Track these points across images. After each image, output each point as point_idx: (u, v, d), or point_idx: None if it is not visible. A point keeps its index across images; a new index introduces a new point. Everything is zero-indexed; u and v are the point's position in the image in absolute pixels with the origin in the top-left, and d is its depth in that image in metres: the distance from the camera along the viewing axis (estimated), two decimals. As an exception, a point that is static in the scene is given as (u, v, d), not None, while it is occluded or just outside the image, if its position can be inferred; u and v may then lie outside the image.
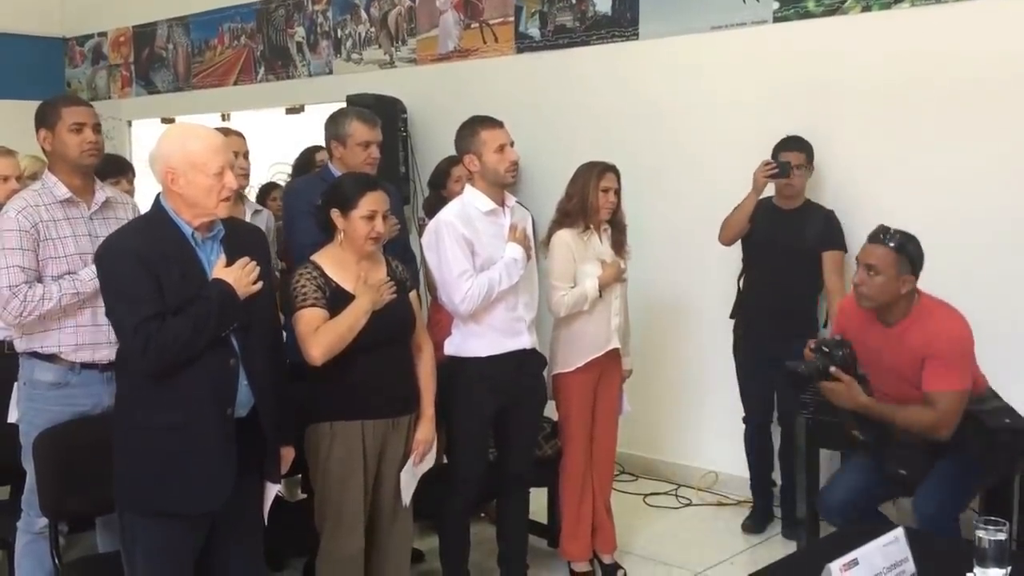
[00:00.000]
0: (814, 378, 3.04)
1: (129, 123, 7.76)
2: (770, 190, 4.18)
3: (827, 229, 4.12)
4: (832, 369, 3.00)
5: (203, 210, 2.46)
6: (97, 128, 3.05)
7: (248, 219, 3.50)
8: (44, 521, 2.91)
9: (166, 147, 2.46)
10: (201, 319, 2.37)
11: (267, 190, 5.24)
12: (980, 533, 2.13)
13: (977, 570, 2.12)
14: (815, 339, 3.12)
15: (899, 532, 2.16)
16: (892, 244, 2.92)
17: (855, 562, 2.02)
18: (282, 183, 5.33)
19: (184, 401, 2.41)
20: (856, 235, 4.18)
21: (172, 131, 2.55)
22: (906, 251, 2.92)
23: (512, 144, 3.29)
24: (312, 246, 3.03)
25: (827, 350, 3.04)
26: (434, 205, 4.14)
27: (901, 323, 2.98)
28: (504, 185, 3.33)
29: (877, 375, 3.10)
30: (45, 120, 3.01)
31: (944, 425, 2.92)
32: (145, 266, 2.37)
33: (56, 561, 2.87)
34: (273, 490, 2.69)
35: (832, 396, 3.07)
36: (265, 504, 2.68)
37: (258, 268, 2.50)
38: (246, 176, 3.80)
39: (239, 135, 3.80)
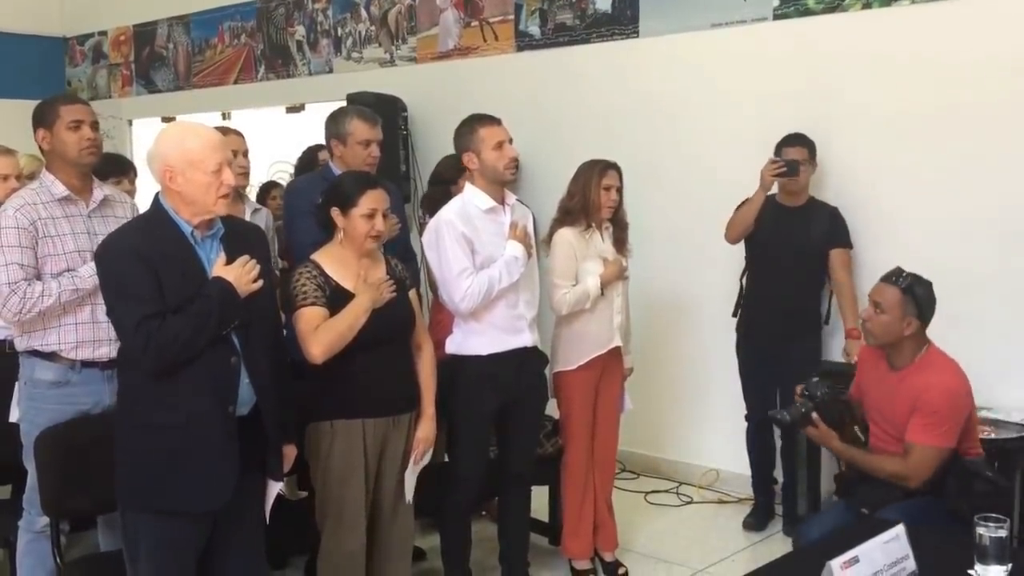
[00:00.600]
0: (798, 424, 3.07)
1: (130, 122, 7.76)
2: (772, 188, 4.17)
3: (833, 227, 4.12)
4: (813, 416, 3.02)
5: (202, 208, 2.46)
6: (95, 126, 3.05)
7: (248, 218, 3.50)
8: (45, 520, 2.91)
9: (164, 146, 2.46)
10: (202, 317, 2.37)
11: (267, 189, 5.24)
12: (981, 530, 2.12)
13: (978, 567, 2.12)
14: (801, 384, 3.13)
15: (900, 529, 2.15)
16: (901, 285, 2.93)
17: (856, 559, 2.02)
18: (282, 182, 5.34)
19: (186, 399, 2.41)
20: (858, 232, 4.19)
21: (169, 130, 2.54)
22: (913, 293, 2.92)
23: (511, 141, 3.29)
24: (313, 245, 3.03)
25: (808, 393, 3.08)
26: (439, 201, 4.13)
27: (904, 369, 2.98)
28: (504, 182, 3.33)
29: (876, 422, 3.09)
30: (43, 119, 3.01)
31: (914, 478, 2.91)
32: (145, 265, 2.37)
33: (58, 560, 2.87)
34: (275, 488, 2.69)
35: (814, 439, 3.14)
36: (267, 502, 2.68)
37: (258, 266, 2.50)
38: (246, 175, 3.79)
39: (238, 134, 3.79)
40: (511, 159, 3.27)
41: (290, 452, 2.76)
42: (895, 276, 2.98)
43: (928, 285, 2.98)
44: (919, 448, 2.89)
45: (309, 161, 4.76)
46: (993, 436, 3.48)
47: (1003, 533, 2.11)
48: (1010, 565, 2.11)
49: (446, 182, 4.39)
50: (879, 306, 2.95)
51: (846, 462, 3.11)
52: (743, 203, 4.20)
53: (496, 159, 3.23)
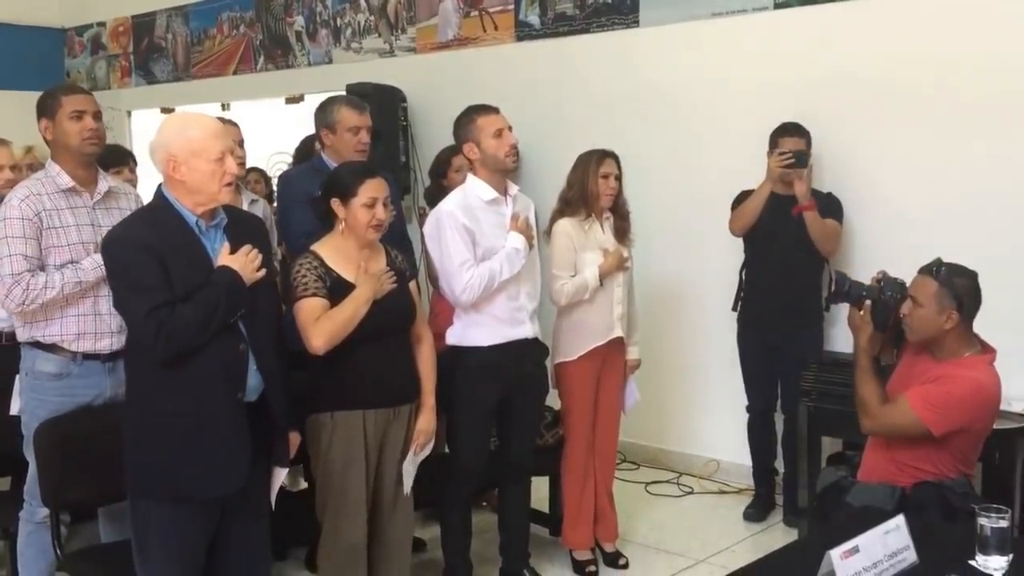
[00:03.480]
0: (851, 296, 2.97)
1: (129, 113, 7.74)
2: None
3: (827, 203, 4.11)
4: (867, 303, 2.92)
5: (206, 196, 2.47)
6: (98, 116, 3.05)
7: (246, 208, 3.50)
8: (46, 511, 2.91)
9: (166, 135, 2.48)
10: (210, 306, 2.40)
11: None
12: (982, 521, 2.11)
13: (979, 558, 2.11)
14: (883, 271, 3.01)
15: (900, 520, 2.15)
16: (937, 277, 2.79)
17: (856, 549, 2.02)
18: (273, 170, 5.36)
19: (196, 387, 2.43)
20: (855, 219, 4.18)
21: (171, 120, 2.56)
22: (951, 285, 2.75)
23: (510, 129, 3.29)
24: (307, 235, 3.04)
25: (883, 285, 2.95)
26: (435, 195, 4.13)
27: (947, 361, 2.82)
28: (505, 170, 3.32)
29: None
30: (46, 109, 3.01)
31: (872, 422, 2.83)
32: (153, 255, 2.38)
33: (58, 552, 2.88)
34: (281, 475, 2.71)
35: (849, 321, 3.02)
36: (273, 489, 2.70)
37: (261, 255, 2.52)
38: (241, 165, 3.79)
39: (233, 124, 3.80)
40: (511, 146, 3.27)
41: (295, 439, 2.77)
42: (933, 267, 2.83)
43: (970, 276, 2.82)
44: (904, 403, 2.76)
45: (310, 149, 4.74)
46: (995, 426, 3.47)
47: (1004, 523, 2.10)
48: (1011, 555, 2.10)
49: (439, 177, 4.41)
50: (916, 300, 2.81)
51: (854, 363, 2.97)
52: (742, 194, 4.18)
53: (496, 147, 3.23)
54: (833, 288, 3.05)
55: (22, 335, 3.00)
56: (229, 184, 2.48)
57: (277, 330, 2.66)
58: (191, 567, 2.54)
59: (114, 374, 2.94)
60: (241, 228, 2.58)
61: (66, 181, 2.98)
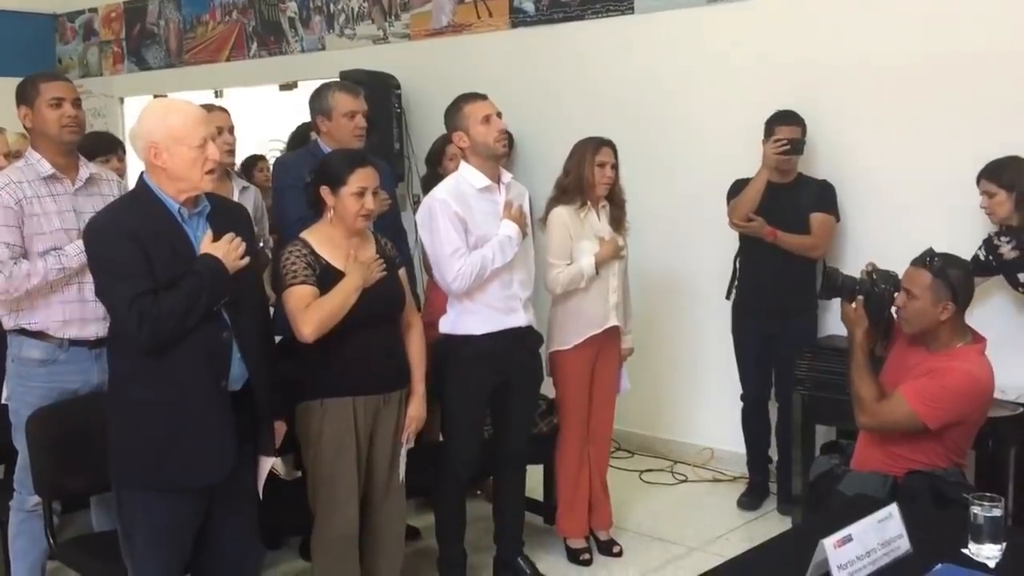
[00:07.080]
0: (844, 290, 2.95)
1: (121, 100, 7.70)
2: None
3: (821, 196, 4.10)
4: (859, 298, 2.92)
5: (188, 184, 2.45)
6: (77, 103, 3.04)
7: (236, 196, 3.48)
8: (36, 499, 2.92)
9: (147, 123, 2.45)
10: (193, 294, 2.38)
11: (252, 162, 5.19)
12: (975, 509, 2.11)
13: (972, 546, 2.11)
14: (872, 263, 3.00)
15: (893, 508, 2.15)
16: (931, 268, 2.78)
17: (849, 538, 2.01)
18: (270, 157, 5.32)
19: (179, 375, 2.41)
20: (848, 206, 4.17)
21: (152, 107, 2.53)
22: (946, 276, 2.76)
23: (500, 115, 3.27)
24: (299, 220, 3.02)
25: (875, 278, 2.93)
26: (431, 183, 4.11)
27: (940, 353, 2.82)
28: (496, 156, 3.30)
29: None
30: (25, 97, 3.01)
31: (869, 420, 2.83)
32: (135, 242, 2.36)
33: (51, 540, 2.87)
34: (267, 463, 2.70)
35: (843, 316, 3.01)
36: (259, 478, 2.68)
37: (244, 243, 2.50)
38: (231, 152, 3.76)
39: (223, 110, 3.77)
40: (500, 132, 3.25)
41: (280, 428, 2.75)
42: (926, 258, 2.82)
43: (963, 266, 2.82)
44: (899, 400, 2.77)
45: (303, 136, 4.71)
46: (988, 415, 3.47)
47: (997, 512, 2.10)
48: (1004, 544, 2.10)
49: (434, 165, 4.40)
50: (910, 292, 2.80)
51: (849, 357, 2.96)
52: (737, 183, 4.17)
53: (484, 134, 3.21)
54: (824, 283, 3.04)
55: (8, 323, 2.99)
56: (211, 171, 2.45)
57: (261, 318, 2.65)
58: (177, 556, 2.53)
59: (101, 360, 2.92)
60: (224, 216, 2.56)
61: (46, 168, 2.97)
